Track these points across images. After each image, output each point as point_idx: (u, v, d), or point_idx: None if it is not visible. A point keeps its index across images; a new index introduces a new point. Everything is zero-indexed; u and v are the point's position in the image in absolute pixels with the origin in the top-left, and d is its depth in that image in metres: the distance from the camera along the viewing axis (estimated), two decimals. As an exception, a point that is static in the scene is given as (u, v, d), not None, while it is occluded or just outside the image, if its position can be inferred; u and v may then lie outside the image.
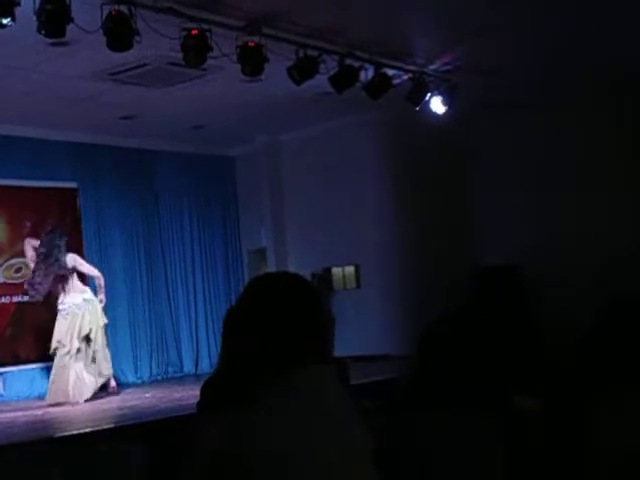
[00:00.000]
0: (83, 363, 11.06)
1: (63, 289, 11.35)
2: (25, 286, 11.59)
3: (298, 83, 9.81)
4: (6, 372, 12.24)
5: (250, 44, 9.00)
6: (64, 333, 11.08)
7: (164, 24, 8.10)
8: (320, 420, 2.00)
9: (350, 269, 14.27)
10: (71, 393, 10.91)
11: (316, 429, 1.99)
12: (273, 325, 2.07)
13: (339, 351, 2.22)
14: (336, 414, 2.05)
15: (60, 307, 11.28)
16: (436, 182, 13.05)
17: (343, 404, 2.08)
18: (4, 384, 12.19)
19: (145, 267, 14.14)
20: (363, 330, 12.55)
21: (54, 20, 7.43)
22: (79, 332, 11.11)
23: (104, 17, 7.75)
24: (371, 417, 2.34)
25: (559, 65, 11.18)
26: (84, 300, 11.34)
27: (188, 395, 9.80)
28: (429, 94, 11.33)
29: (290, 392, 2.01)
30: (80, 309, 11.24)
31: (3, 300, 12.48)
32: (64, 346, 11.04)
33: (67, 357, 11.02)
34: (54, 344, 11.13)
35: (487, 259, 12.65)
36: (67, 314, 11.18)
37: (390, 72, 10.73)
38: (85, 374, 11.05)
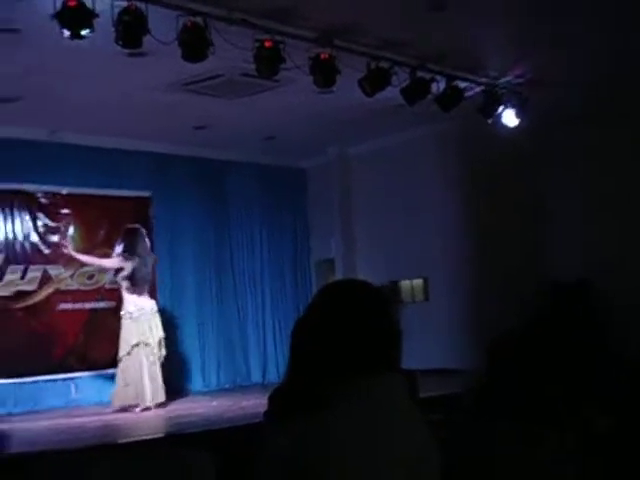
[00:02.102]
0: (149, 369, 11.14)
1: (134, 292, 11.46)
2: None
3: (369, 95, 9.82)
4: (78, 377, 12.44)
5: (322, 56, 9.04)
6: (134, 337, 11.18)
7: (238, 35, 8.19)
8: (390, 428, 1.99)
9: (418, 282, 14.20)
10: (140, 398, 11.02)
11: (386, 437, 1.98)
12: (343, 332, 2.07)
13: (406, 364, 2.21)
14: (406, 423, 2.04)
15: (131, 310, 11.33)
16: (506, 195, 12.91)
17: (413, 414, 2.07)
18: (76, 389, 12.40)
19: (215, 276, 14.27)
20: (430, 343, 12.46)
21: (131, 31, 7.57)
22: (149, 338, 11.22)
23: (179, 28, 7.87)
24: (438, 430, 2.32)
25: (632, 77, 11.00)
26: (151, 310, 11.45)
27: (255, 404, 9.84)
28: (501, 106, 11.25)
29: (361, 400, 2.00)
30: (149, 317, 11.35)
31: (77, 306, 12.70)
32: (144, 345, 11.14)
33: (144, 359, 11.12)
34: (125, 347, 11.21)
35: (557, 274, 12.46)
36: (137, 318, 11.27)
37: (462, 84, 10.69)
38: (152, 380, 11.14)
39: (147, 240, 11.74)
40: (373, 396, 2.01)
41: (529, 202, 13.17)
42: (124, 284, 11.41)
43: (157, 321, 11.44)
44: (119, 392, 11.16)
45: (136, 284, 11.38)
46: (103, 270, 12.77)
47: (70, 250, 11.78)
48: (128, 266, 11.38)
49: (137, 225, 11.97)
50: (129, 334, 11.20)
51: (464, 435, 2.91)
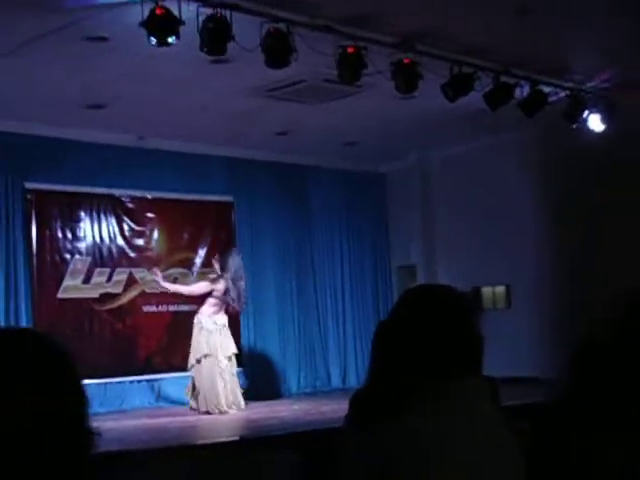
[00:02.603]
0: (221, 377, 11.26)
1: (211, 307, 11.61)
2: (232, 303, 11.82)
3: (452, 100, 9.77)
4: (161, 379, 12.64)
5: (405, 61, 9.04)
6: (205, 349, 11.31)
7: (320, 41, 8.24)
8: (473, 433, 1.98)
9: (500, 289, 14.06)
10: (213, 405, 11.14)
11: (468, 442, 1.98)
12: (425, 337, 2.07)
13: (485, 371, 2.20)
14: (489, 429, 2.03)
15: (205, 321, 11.49)
16: (594, 202, 12.67)
17: (496, 420, 2.06)
18: (159, 391, 12.59)
19: (295, 281, 14.35)
20: (511, 351, 12.30)
21: (215, 38, 7.68)
22: (219, 354, 11.34)
23: (263, 35, 7.95)
24: (522, 438, 2.30)
25: None
26: (224, 325, 11.57)
27: (335, 408, 9.85)
28: (586, 111, 11.07)
29: (442, 404, 2.00)
30: (221, 332, 11.48)
31: (160, 309, 12.91)
32: (214, 357, 11.26)
33: (216, 367, 11.24)
34: (196, 355, 11.36)
35: (645, 282, 12.19)
36: (210, 331, 11.41)
37: (546, 89, 10.55)
38: (225, 387, 11.26)
39: (240, 263, 11.82)
40: (455, 400, 2.00)
41: (619, 209, 12.90)
42: (212, 300, 11.57)
43: (228, 336, 11.56)
44: (191, 397, 11.36)
45: (219, 303, 11.56)
46: (187, 274, 13.00)
47: (160, 279, 11.99)
48: (219, 287, 11.55)
49: (233, 248, 12.20)
50: (200, 344, 11.36)
51: (555, 444, 2.87)
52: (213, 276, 11.88)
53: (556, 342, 12.18)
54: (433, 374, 2.05)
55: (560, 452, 2.85)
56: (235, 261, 11.76)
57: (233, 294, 11.60)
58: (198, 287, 11.90)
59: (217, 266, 11.80)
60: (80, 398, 1.53)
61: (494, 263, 13.66)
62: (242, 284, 11.73)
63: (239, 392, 11.48)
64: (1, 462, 1.42)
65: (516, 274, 13.53)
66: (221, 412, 11.02)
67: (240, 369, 12.80)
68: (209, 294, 11.60)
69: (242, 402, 11.43)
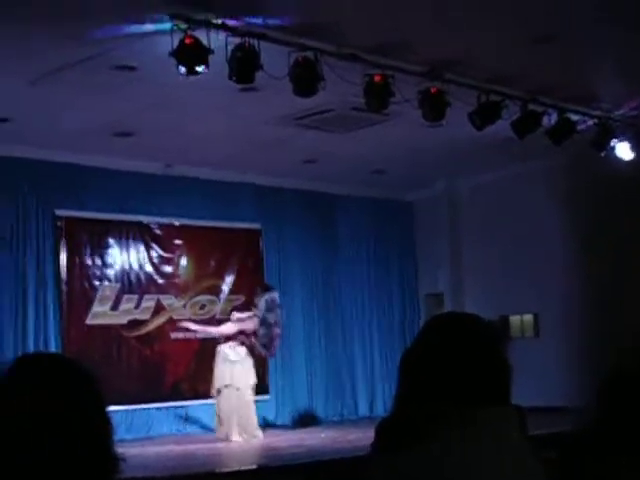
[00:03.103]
0: (238, 411, 11.26)
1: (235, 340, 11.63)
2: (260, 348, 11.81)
3: (479, 128, 9.77)
4: (189, 406, 12.65)
5: (432, 89, 9.06)
6: (227, 379, 11.33)
7: (347, 70, 8.28)
8: (499, 462, 1.97)
9: (528, 317, 13.98)
10: (248, 431, 11.16)
11: (495, 471, 1.96)
12: (452, 365, 2.06)
13: (514, 401, 2.18)
14: (516, 458, 2.01)
15: (227, 352, 11.51)
16: (623, 230, 12.59)
17: (524, 449, 2.04)
18: (187, 417, 12.59)
19: (323, 308, 14.34)
20: (539, 380, 12.19)
21: (244, 67, 7.76)
22: (240, 383, 11.34)
23: (291, 63, 8.01)
24: (550, 468, 2.28)
25: None
26: (246, 355, 11.58)
27: (362, 437, 9.80)
28: (615, 139, 11.03)
29: (470, 431, 1.99)
30: (243, 363, 11.49)
31: (188, 336, 12.93)
32: (236, 389, 11.27)
33: (235, 398, 11.25)
34: (217, 385, 11.38)
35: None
36: (233, 362, 11.42)
37: (574, 117, 10.53)
38: (241, 420, 11.25)
39: (274, 304, 11.77)
40: (482, 428, 1.99)
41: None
42: (241, 335, 11.58)
43: (250, 367, 11.56)
44: (218, 422, 11.36)
45: (245, 338, 11.58)
46: (214, 301, 13.06)
47: (189, 324, 12.04)
48: (248, 326, 11.56)
49: (272, 288, 12.10)
50: (222, 373, 11.38)
51: (583, 473, 2.85)
52: (240, 316, 11.83)
53: (584, 371, 12.07)
54: (460, 401, 2.04)
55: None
56: (269, 302, 11.69)
57: (264, 339, 11.58)
58: (227, 328, 11.87)
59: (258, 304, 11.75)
60: (105, 424, 1.54)
61: (522, 291, 13.59)
62: (277, 330, 11.70)
63: (256, 422, 11.47)
64: (30, 474, 1.43)
65: (544, 303, 13.45)
66: (233, 441, 11.01)
67: (267, 397, 12.80)
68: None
69: (259, 432, 11.40)
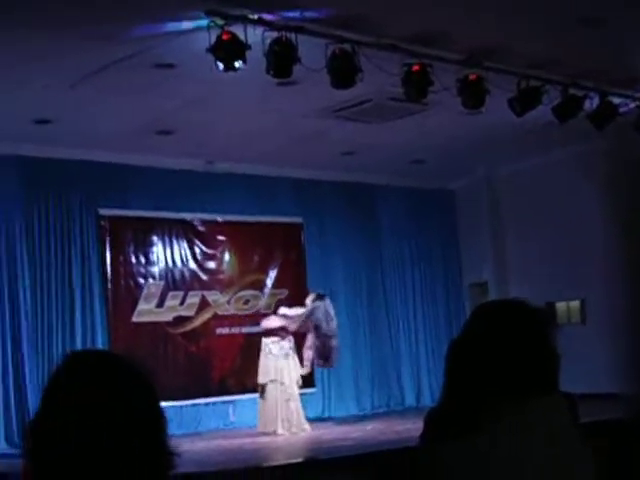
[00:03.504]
0: (283, 406, 11.28)
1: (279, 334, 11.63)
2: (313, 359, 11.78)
3: (519, 114, 9.69)
4: (236, 400, 12.72)
5: (471, 77, 9.00)
6: (271, 373, 11.35)
7: (385, 60, 8.25)
8: (550, 451, 1.95)
9: (575, 304, 13.85)
10: (294, 424, 11.19)
11: (545, 460, 1.94)
12: (500, 354, 2.04)
13: (561, 388, 2.16)
14: (567, 447, 1.99)
15: (271, 346, 11.53)
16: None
17: (574, 438, 2.02)
18: (234, 412, 12.67)
19: (367, 300, 14.33)
20: (588, 367, 12.08)
21: (282, 61, 7.76)
22: (285, 378, 11.36)
23: (328, 56, 8.00)
24: (602, 455, 2.26)
25: None
26: (290, 348, 11.57)
27: (410, 428, 9.79)
28: (658, 122, 10.88)
29: (518, 422, 1.97)
30: (288, 357, 11.48)
31: (233, 331, 13.00)
32: (281, 383, 11.29)
33: (280, 392, 11.27)
34: (262, 380, 11.42)
35: None
36: (277, 356, 11.43)
37: (616, 100, 10.40)
38: (287, 415, 11.27)
39: (328, 315, 11.66)
40: (531, 418, 1.98)
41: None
42: (281, 331, 11.60)
43: (295, 361, 11.56)
44: (261, 416, 11.41)
45: (286, 334, 11.57)
46: (258, 296, 13.11)
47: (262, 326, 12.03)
48: (292, 326, 11.54)
49: (325, 296, 11.95)
50: (267, 369, 11.40)
51: (633, 461, 2.82)
52: (287, 312, 11.80)
53: (632, 357, 11.94)
54: (508, 391, 2.02)
55: (636, 470, 2.79)
56: (324, 313, 11.59)
57: (322, 352, 11.55)
58: (271, 322, 11.84)
59: (308, 304, 11.68)
60: (159, 417, 1.55)
61: (567, 278, 13.46)
62: (334, 342, 11.64)
63: (303, 415, 11.47)
64: (85, 470, 1.44)
65: (590, 288, 13.31)
66: (279, 435, 11.04)
67: (314, 390, 12.82)
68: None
69: (306, 425, 11.41)
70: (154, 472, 1.51)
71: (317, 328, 11.48)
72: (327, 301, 11.77)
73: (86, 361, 1.57)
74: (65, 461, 1.45)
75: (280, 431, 11.09)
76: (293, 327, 11.58)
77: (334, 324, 11.68)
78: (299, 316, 11.60)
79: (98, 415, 1.46)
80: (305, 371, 11.64)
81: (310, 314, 11.50)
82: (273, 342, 11.52)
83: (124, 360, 1.57)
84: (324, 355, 11.63)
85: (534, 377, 2.05)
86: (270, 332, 11.66)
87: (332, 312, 11.69)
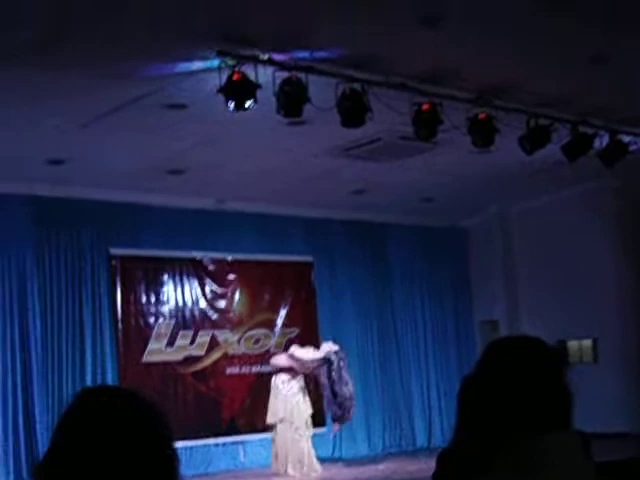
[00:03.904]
0: (293, 447, 11.19)
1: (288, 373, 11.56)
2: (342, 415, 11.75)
3: (529, 153, 9.70)
4: (246, 441, 12.63)
5: (481, 116, 9.02)
6: (280, 412, 11.27)
7: (395, 99, 8.28)
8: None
9: (587, 342, 13.77)
10: (306, 464, 11.09)
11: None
12: (514, 391, 2.02)
13: (574, 427, 2.14)
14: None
15: (280, 387, 11.46)
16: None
17: (589, 475, 1.99)
18: (244, 452, 12.57)
19: (377, 338, 14.27)
20: (600, 406, 11.97)
21: (292, 100, 7.80)
22: (294, 417, 11.27)
23: (338, 95, 8.04)
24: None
25: None
26: (300, 388, 11.48)
27: (423, 468, 9.72)
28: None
29: (530, 461, 1.95)
30: (297, 396, 11.40)
31: (244, 370, 12.95)
32: (291, 423, 11.20)
33: (290, 432, 11.18)
34: (272, 419, 11.34)
35: None
36: (285, 395, 11.35)
37: (626, 138, 10.41)
38: (297, 456, 11.16)
39: (349, 381, 11.64)
40: (545, 456, 1.95)
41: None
42: (290, 370, 11.53)
43: (305, 400, 11.47)
44: (273, 456, 11.32)
45: (297, 374, 11.49)
46: (269, 335, 13.09)
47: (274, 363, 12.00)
48: (302, 369, 11.50)
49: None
50: (276, 408, 11.33)
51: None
52: (297, 354, 11.71)
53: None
54: (522, 429, 2.00)
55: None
56: (336, 373, 11.49)
57: (338, 412, 11.49)
58: (282, 360, 11.82)
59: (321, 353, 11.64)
60: (173, 454, 1.54)
61: (580, 316, 13.39)
62: (348, 389, 11.54)
63: (314, 456, 11.37)
64: None
65: (603, 327, 13.24)
66: (290, 475, 10.95)
67: (324, 430, 12.73)
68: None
69: (317, 465, 11.30)
70: None
71: (332, 384, 11.40)
72: (341, 363, 11.60)
73: (98, 397, 1.56)
74: None
75: (291, 472, 11.00)
76: (302, 371, 11.53)
77: (350, 387, 11.57)
78: (311, 361, 11.53)
79: (110, 452, 1.45)
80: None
81: (322, 364, 11.45)
82: (283, 382, 11.45)
83: (136, 395, 1.56)
84: (340, 415, 11.53)
85: (548, 414, 2.03)
86: (279, 370, 11.61)
87: (347, 375, 11.57)
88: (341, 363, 11.53)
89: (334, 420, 11.69)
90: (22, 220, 11.19)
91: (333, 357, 11.49)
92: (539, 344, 2.13)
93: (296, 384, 11.47)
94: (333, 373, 11.38)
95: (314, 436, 11.62)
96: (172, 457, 1.53)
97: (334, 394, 11.35)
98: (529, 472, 1.93)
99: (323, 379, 11.45)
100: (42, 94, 8.18)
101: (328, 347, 11.68)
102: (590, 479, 2.00)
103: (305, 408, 11.43)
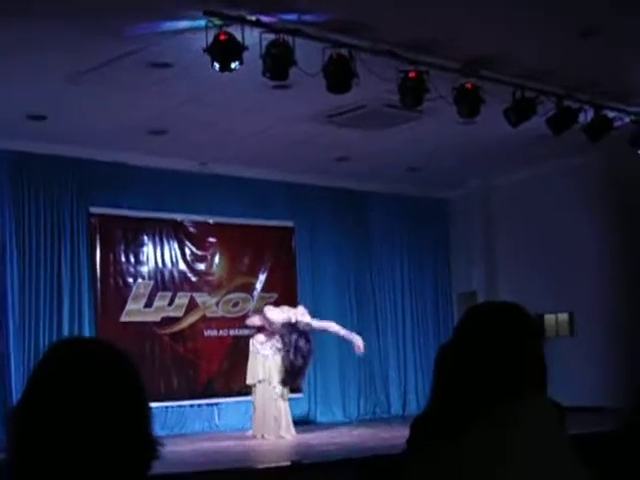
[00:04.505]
0: (272, 406, 11.20)
1: (265, 333, 11.54)
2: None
3: (514, 125, 9.70)
4: (221, 403, 12.68)
5: (467, 86, 9.00)
6: (260, 373, 11.28)
7: (382, 66, 8.25)
8: (536, 454, 1.93)
9: (564, 316, 13.85)
10: (282, 426, 11.13)
11: (532, 464, 1.92)
12: (491, 355, 2.03)
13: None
14: (555, 450, 1.97)
15: (259, 348, 11.44)
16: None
17: (562, 442, 2.00)
18: (219, 415, 12.63)
19: (356, 306, 14.31)
20: (575, 380, 12.09)
21: (278, 63, 7.75)
22: (273, 378, 11.27)
23: (325, 60, 7.99)
24: (589, 467, 2.23)
25: None
26: (277, 350, 11.44)
27: (396, 435, 9.75)
28: (652, 136, 10.91)
29: (501, 425, 1.95)
30: (275, 357, 11.37)
31: (221, 333, 12.97)
32: (269, 383, 11.22)
33: (269, 393, 11.20)
34: (251, 380, 11.35)
35: None
36: (265, 356, 11.35)
37: (611, 114, 10.42)
38: (275, 416, 11.18)
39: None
40: (515, 421, 1.96)
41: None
42: (265, 333, 11.52)
43: (280, 361, 11.47)
44: (253, 420, 11.34)
45: (273, 334, 11.49)
46: (247, 299, 13.09)
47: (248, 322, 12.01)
48: (276, 320, 11.42)
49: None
50: (255, 369, 11.34)
51: (624, 474, 2.80)
52: (270, 315, 11.61)
53: (621, 371, 11.95)
54: (496, 394, 2.01)
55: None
56: (295, 321, 11.36)
57: (291, 369, 11.37)
58: (255, 320, 11.83)
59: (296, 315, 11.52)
60: (145, 406, 1.54)
61: (557, 290, 13.47)
62: (303, 360, 11.34)
63: (290, 419, 11.41)
64: (68, 457, 1.43)
65: (579, 301, 13.32)
66: (267, 438, 10.98)
67: (300, 395, 12.78)
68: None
69: (292, 429, 11.35)
70: (138, 460, 1.50)
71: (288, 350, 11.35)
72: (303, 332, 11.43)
73: (72, 346, 1.55)
74: (47, 448, 1.43)
75: (268, 434, 11.04)
76: (271, 330, 11.44)
77: (306, 359, 11.41)
78: (275, 322, 11.41)
79: (82, 401, 1.45)
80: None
81: (287, 326, 11.37)
82: (260, 342, 11.46)
83: (111, 346, 1.56)
84: (290, 380, 11.48)
85: (523, 380, 2.03)
86: (257, 331, 11.61)
87: (306, 346, 11.33)
88: (302, 335, 11.42)
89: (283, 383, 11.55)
90: (0, 176, 11.09)
91: (298, 320, 11.38)
92: (515, 309, 2.14)
93: (275, 344, 11.44)
94: (292, 337, 11.32)
95: (289, 400, 11.65)
96: (145, 409, 1.53)
97: (289, 360, 11.29)
98: (504, 436, 1.93)
99: (285, 341, 11.37)
100: (24, 47, 8.07)
101: (298, 312, 11.58)
102: (564, 446, 2.00)
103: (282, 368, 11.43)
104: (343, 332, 11.81)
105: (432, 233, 15.18)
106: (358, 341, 11.65)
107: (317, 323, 11.62)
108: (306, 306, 11.90)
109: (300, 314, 11.47)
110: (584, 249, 13.19)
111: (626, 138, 10.86)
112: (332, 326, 11.79)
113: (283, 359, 11.26)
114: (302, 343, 11.29)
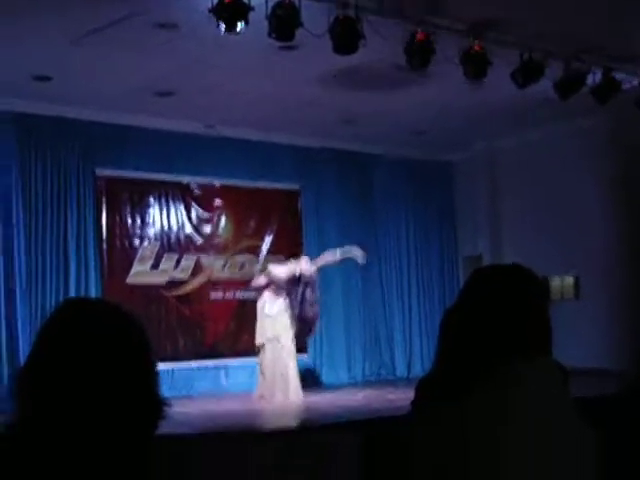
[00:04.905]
0: (281, 367, 11.25)
1: (271, 291, 11.57)
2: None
3: (521, 87, 9.63)
4: (228, 364, 12.75)
5: (475, 47, 8.93)
6: (269, 332, 11.32)
7: (388, 28, 8.18)
8: (541, 415, 1.94)
9: (569, 279, 13.85)
10: (290, 388, 11.17)
11: (536, 424, 1.94)
12: (492, 316, 2.04)
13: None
14: (560, 410, 1.98)
15: (267, 307, 11.48)
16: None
17: (566, 404, 2.01)
18: (226, 375, 12.70)
19: (361, 269, 14.31)
20: (580, 343, 12.11)
21: (284, 24, 7.70)
22: (282, 336, 11.31)
23: (331, 21, 7.93)
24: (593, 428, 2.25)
25: None
26: (285, 308, 11.48)
27: (401, 397, 9.82)
28: (660, 99, 10.83)
29: (509, 383, 1.96)
30: (282, 315, 11.40)
31: (227, 295, 13.01)
32: (278, 341, 11.26)
33: (279, 352, 11.24)
34: (260, 340, 11.40)
35: None
36: (274, 316, 11.38)
37: (619, 76, 10.34)
38: (284, 377, 11.22)
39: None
40: (517, 381, 1.97)
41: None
42: (272, 286, 11.53)
43: (289, 319, 11.52)
44: (259, 382, 11.39)
45: (280, 291, 11.50)
46: (253, 261, 13.11)
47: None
48: (281, 276, 11.47)
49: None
50: (264, 328, 11.37)
51: (627, 436, 2.82)
52: (275, 271, 11.68)
53: (626, 334, 11.97)
54: (501, 355, 2.02)
55: (632, 443, 2.80)
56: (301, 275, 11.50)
57: (302, 321, 11.50)
58: (261, 280, 11.87)
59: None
60: (151, 366, 1.55)
61: (563, 253, 13.46)
62: (313, 310, 11.52)
63: (299, 382, 11.45)
64: (75, 415, 1.44)
65: (585, 265, 13.31)
66: (275, 398, 11.02)
67: (305, 357, 12.84)
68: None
69: (300, 392, 11.39)
70: (145, 419, 1.51)
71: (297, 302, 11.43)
72: (308, 286, 11.56)
73: (79, 308, 1.56)
74: (54, 407, 1.44)
75: (276, 395, 11.05)
76: (277, 286, 11.47)
77: (316, 308, 11.60)
78: (279, 277, 11.48)
79: (89, 360, 1.46)
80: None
81: (292, 280, 11.44)
82: (267, 301, 11.47)
83: (118, 307, 1.57)
84: (306, 331, 11.59)
85: (527, 341, 2.04)
86: (263, 289, 11.63)
87: (312, 296, 11.52)
88: (308, 285, 11.51)
89: (296, 336, 11.65)
90: (6, 138, 11.07)
91: (302, 273, 11.44)
92: (520, 271, 2.14)
93: (282, 302, 11.46)
94: (299, 291, 11.39)
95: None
96: (151, 369, 1.54)
97: (299, 312, 11.38)
98: (505, 396, 1.95)
99: (291, 296, 11.44)
100: (30, 8, 8.03)
101: (302, 263, 11.64)
102: (568, 407, 2.01)
103: (290, 327, 11.46)
104: (339, 254, 11.82)
105: (437, 196, 15.16)
106: (357, 252, 11.68)
107: (318, 264, 11.69)
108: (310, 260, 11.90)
109: (304, 264, 11.54)
110: (590, 212, 13.16)
111: (633, 100, 10.78)
112: (328, 256, 11.83)
113: (293, 312, 11.32)
114: (308, 294, 11.40)
